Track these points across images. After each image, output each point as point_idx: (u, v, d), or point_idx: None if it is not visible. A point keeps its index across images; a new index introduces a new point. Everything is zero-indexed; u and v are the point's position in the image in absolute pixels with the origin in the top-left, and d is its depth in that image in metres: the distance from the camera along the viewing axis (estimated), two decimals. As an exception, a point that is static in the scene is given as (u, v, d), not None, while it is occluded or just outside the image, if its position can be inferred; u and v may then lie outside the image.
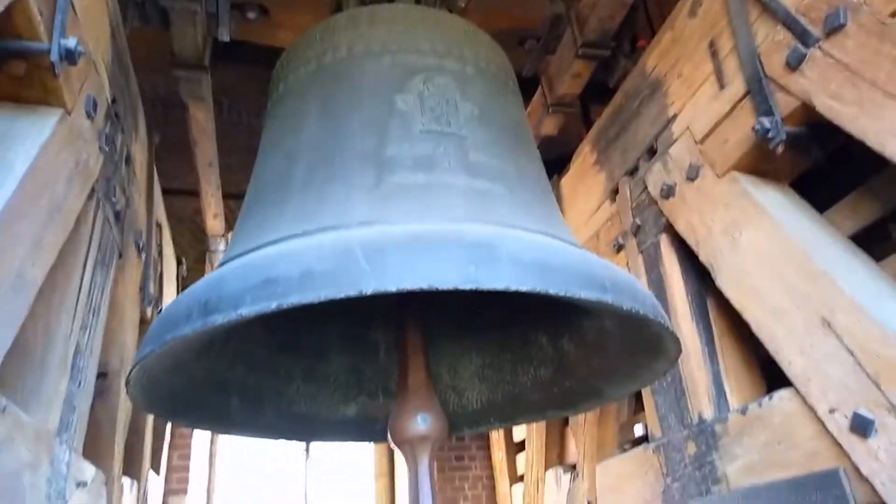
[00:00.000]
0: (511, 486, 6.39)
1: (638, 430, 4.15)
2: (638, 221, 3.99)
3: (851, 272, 2.67)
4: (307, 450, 7.67)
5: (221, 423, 3.66)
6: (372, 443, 7.61)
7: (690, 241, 3.48)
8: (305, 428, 3.92)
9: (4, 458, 2.14)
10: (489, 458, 7.06)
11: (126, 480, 4.35)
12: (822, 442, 2.56)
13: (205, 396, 3.08)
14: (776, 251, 2.88)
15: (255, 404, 3.47)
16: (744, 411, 3.02)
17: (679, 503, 3.48)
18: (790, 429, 2.73)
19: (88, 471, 3.27)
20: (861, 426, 2.31)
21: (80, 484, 3.10)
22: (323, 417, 3.86)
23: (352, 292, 1.69)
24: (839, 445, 2.45)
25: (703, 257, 3.37)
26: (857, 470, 2.38)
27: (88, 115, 2.83)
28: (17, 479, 2.23)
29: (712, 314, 3.49)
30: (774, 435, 2.81)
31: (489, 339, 3.42)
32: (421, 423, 3.13)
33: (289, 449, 7.65)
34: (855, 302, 2.47)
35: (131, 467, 4.58)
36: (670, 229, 3.71)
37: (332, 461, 7.78)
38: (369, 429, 3.75)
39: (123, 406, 4.11)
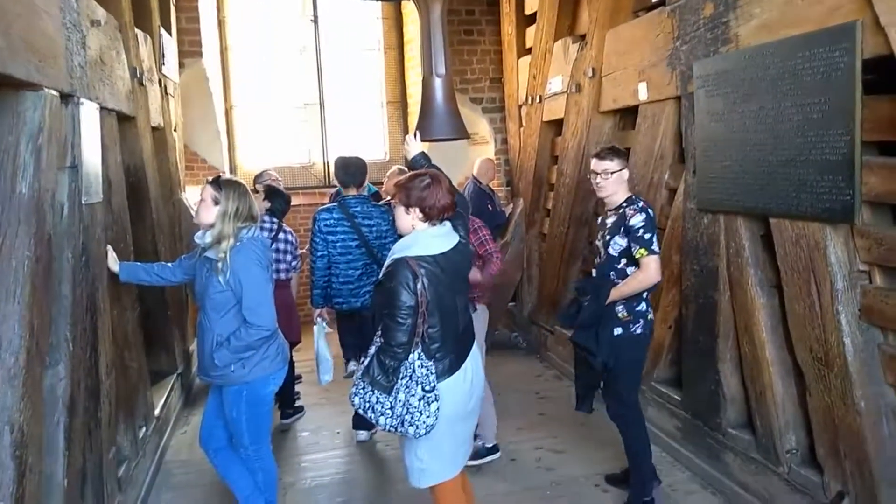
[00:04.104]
0: (518, 59, 6.48)
1: (655, -4, 4.02)
2: None
3: None
4: (315, 19, 7.57)
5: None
6: (380, 2, 7.46)
7: None
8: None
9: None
10: (498, 32, 6.98)
11: (140, 33, 4.38)
12: (848, -6, 2.49)
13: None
14: None
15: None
16: (775, -35, 2.86)
17: (683, 64, 3.57)
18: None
19: (100, 11, 3.26)
20: (898, -28, 2.20)
21: (95, 22, 3.12)
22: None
23: None
24: (866, -4, 2.38)
25: None
26: (875, 22, 2.36)
27: None
28: (30, -4, 2.22)
29: None
30: (800, -12, 2.72)
31: None
32: (434, -32, 3.02)
33: (298, 19, 7.56)
34: None
35: (142, 22, 4.57)
36: None
37: (340, 32, 7.75)
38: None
39: (119, -50, 3.90)
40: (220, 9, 7.31)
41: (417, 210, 2.58)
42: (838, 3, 2.54)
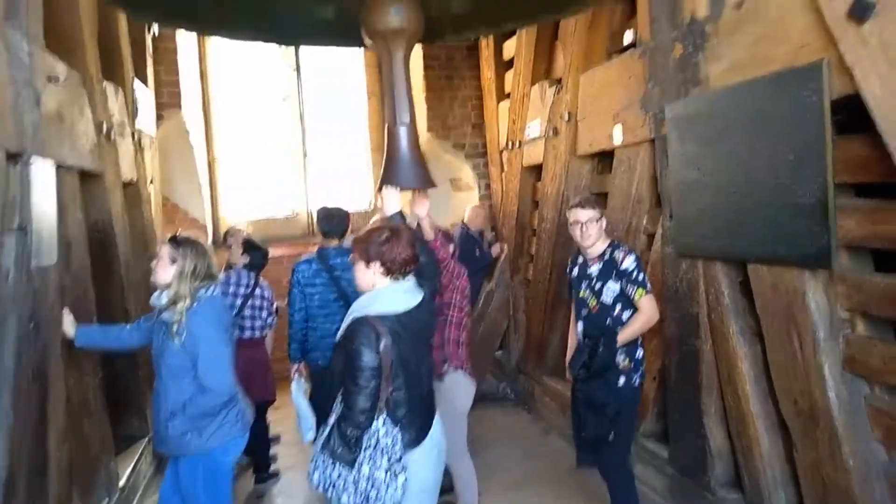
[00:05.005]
0: (498, 104, 6.46)
1: (627, 38, 3.98)
2: None
3: None
4: (297, 68, 7.59)
5: (197, 21, 3.50)
6: (360, 49, 7.48)
7: None
8: (285, 31, 3.77)
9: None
10: (478, 77, 6.99)
11: (109, 86, 4.32)
12: (813, 33, 2.42)
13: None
14: None
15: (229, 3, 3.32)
16: (739, 5, 2.81)
17: (656, 106, 3.50)
18: (784, 22, 2.56)
19: (59, 67, 3.19)
20: (860, 9, 2.13)
21: (52, 79, 3.04)
22: (301, 20, 3.67)
23: None
24: (830, 35, 2.31)
25: None
26: (841, 61, 2.29)
27: None
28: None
29: None
30: (766, 29, 2.66)
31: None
32: (394, 14, 2.95)
33: (280, 68, 7.57)
34: None
35: (113, 74, 4.52)
36: None
37: (323, 80, 7.76)
38: (350, 32, 3.57)
39: (86, 2, 3.86)
40: (202, 60, 7.32)
41: (378, 265, 2.46)
42: (804, 41, 2.48)
